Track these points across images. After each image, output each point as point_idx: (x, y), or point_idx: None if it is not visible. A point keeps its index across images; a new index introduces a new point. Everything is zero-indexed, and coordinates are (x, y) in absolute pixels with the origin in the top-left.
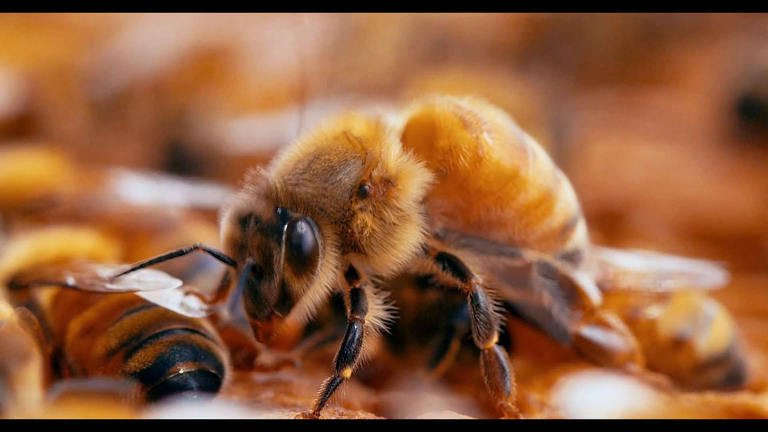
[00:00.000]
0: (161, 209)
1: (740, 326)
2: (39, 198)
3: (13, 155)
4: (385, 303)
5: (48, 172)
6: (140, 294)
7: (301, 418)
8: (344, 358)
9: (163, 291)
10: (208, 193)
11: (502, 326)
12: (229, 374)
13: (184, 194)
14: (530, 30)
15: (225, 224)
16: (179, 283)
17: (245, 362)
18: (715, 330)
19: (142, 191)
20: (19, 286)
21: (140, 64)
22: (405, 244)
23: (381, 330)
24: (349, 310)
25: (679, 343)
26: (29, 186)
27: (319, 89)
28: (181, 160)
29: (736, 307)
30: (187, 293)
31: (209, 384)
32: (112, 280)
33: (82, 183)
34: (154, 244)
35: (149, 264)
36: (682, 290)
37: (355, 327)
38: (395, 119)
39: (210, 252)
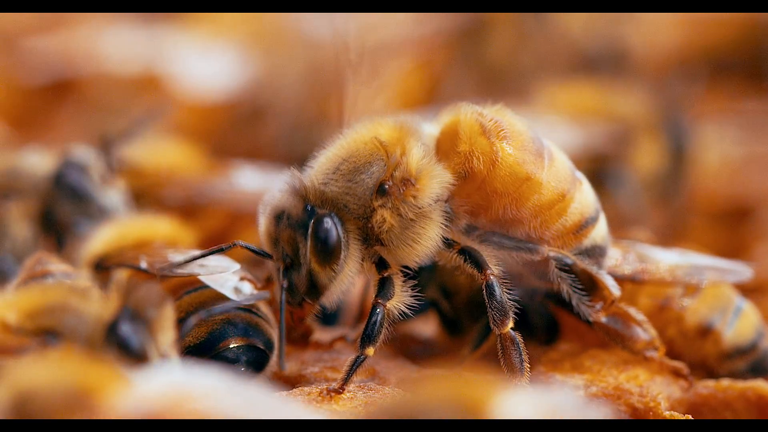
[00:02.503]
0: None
1: None
2: (159, 181)
3: (155, 142)
4: (413, 289)
5: (183, 160)
6: (201, 278)
7: (325, 392)
8: (367, 338)
9: (220, 275)
10: None
11: (549, 313)
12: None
13: None
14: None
15: (262, 220)
16: (238, 266)
17: (301, 339)
18: (742, 321)
19: (252, 180)
20: (103, 267)
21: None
22: (424, 238)
23: (438, 313)
24: (374, 296)
25: (705, 331)
26: (163, 171)
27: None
28: None
29: None
30: (241, 279)
31: (258, 359)
32: (179, 264)
33: (205, 171)
34: (257, 228)
35: (199, 257)
36: (715, 283)
37: (378, 310)
38: (430, 126)
39: (247, 248)
